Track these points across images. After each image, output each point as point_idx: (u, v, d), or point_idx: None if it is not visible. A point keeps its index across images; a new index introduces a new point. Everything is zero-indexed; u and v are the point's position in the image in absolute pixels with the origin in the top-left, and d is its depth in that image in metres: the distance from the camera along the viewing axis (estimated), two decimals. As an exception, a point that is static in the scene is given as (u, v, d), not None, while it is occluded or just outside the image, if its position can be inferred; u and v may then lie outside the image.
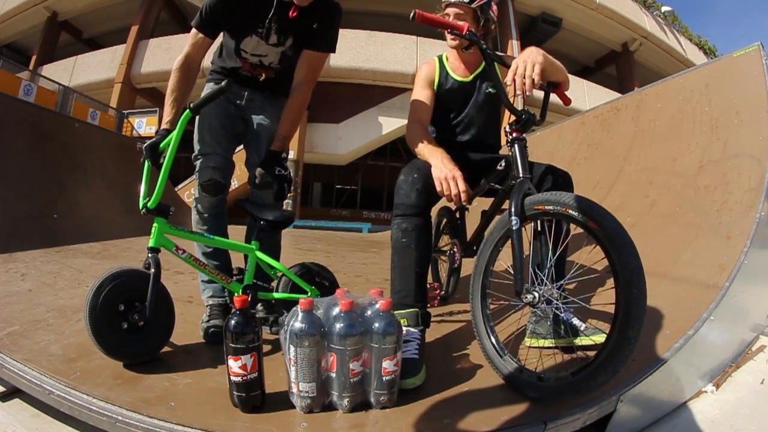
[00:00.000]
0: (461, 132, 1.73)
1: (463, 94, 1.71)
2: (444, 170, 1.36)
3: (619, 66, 15.61)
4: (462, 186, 1.34)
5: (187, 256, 1.34)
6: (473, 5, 1.57)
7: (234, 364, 1.00)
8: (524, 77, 1.21)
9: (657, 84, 2.59)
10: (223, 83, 1.25)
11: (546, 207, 1.14)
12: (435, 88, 1.72)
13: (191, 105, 1.30)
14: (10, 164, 3.30)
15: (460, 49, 1.66)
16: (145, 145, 1.36)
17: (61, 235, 3.27)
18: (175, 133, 1.31)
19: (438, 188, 1.37)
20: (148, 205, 1.29)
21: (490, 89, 1.66)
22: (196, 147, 1.55)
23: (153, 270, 1.23)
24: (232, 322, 1.00)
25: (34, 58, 13.86)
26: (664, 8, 15.12)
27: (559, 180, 1.51)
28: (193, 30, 1.49)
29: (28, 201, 3.31)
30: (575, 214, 1.06)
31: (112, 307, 1.17)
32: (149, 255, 1.26)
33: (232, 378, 1.01)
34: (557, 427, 1.02)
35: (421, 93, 1.69)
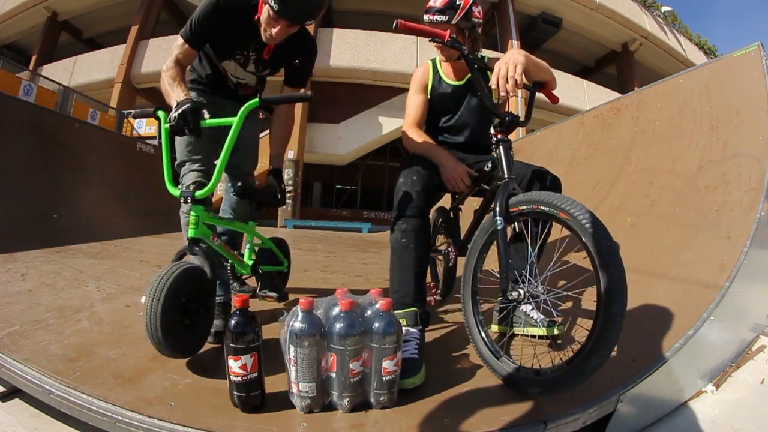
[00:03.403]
0: (454, 134, 1.76)
1: (456, 98, 1.73)
2: (451, 170, 1.55)
3: (619, 66, 15.60)
4: (467, 181, 1.55)
5: (219, 244, 1.39)
6: (453, 22, 1.59)
7: (234, 364, 1.00)
8: (507, 78, 1.24)
9: (657, 84, 2.59)
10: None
11: (520, 207, 1.18)
12: (429, 91, 1.75)
13: (261, 97, 1.31)
14: (10, 164, 3.29)
15: (452, 60, 1.69)
16: (185, 108, 1.29)
17: (61, 235, 3.27)
18: (236, 120, 1.32)
19: (452, 187, 1.57)
20: (198, 195, 1.27)
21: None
22: (179, 155, 1.60)
23: (209, 266, 1.20)
24: (232, 322, 1.00)
25: (34, 58, 13.86)
26: (664, 8, 15.12)
27: (548, 184, 1.52)
28: (179, 41, 1.51)
29: (28, 201, 3.30)
30: (546, 208, 1.10)
31: (177, 306, 1.14)
32: (193, 248, 1.23)
33: (232, 378, 1.01)
34: (557, 427, 1.02)
35: (415, 97, 1.77)
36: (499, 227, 1.18)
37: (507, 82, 1.24)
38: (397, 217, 1.47)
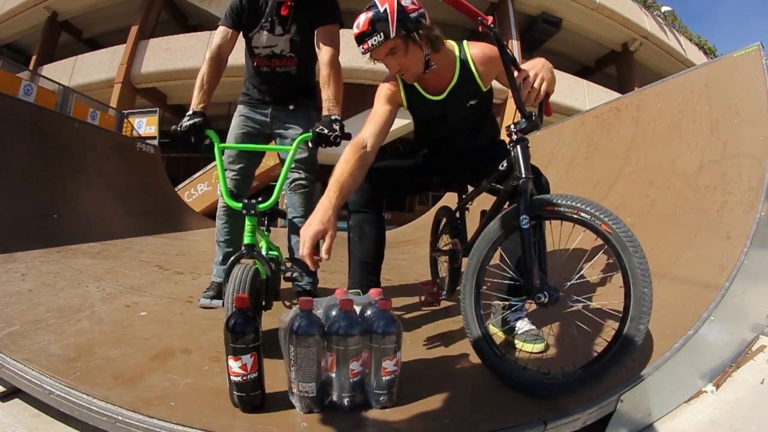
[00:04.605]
0: (447, 143, 1.70)
1: (441, 112, 1.59)
2: (307, 228, 1.12)
3: (619, 66, 15.60)
4: (308, 250, 1.09)
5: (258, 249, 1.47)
6: (394, 35, 1.34)
7: (234, 364, 0.99)
8: (532, 88, 1.23)
9: (657, 84, 2.59)
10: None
11: (557, 208, 1.15)
12: (405, 106, 1.60)
13: (314, 130, 1.52)
14: (10, 164, 3.30)
15: (420, 75, 1.48)
16: (196, 123, 1.46)
17: (61, 235, 3.27)
18: (292, 149, 1.51)
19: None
20: (261, 207, 1.36)
21: (471, 102, 1.56)
22: (225, 159, 1.90)
23: (268, 266, 1.33)
24: (232, 321, 1.00)
25: (34, 58, 13.86)
26: (664, 8, 15.13)
27: (539, 185, 1.50)
28: (221, 28, 1.80)
29: (28, 201, 3.30)
30: (587, 217, 1.09)
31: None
32: (252, 252, 1.34)
33: (232, 378, 1.01)
34: (557, 427, 1.02)
35: (380, 111, 1.52)
36: (524, 226, 1.14)
37: (529, 92, 1.22)
38: (348, 213, 1.65)
